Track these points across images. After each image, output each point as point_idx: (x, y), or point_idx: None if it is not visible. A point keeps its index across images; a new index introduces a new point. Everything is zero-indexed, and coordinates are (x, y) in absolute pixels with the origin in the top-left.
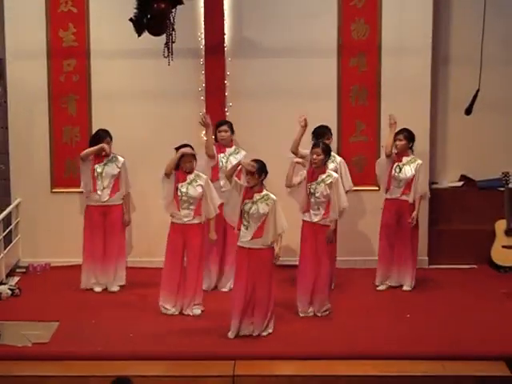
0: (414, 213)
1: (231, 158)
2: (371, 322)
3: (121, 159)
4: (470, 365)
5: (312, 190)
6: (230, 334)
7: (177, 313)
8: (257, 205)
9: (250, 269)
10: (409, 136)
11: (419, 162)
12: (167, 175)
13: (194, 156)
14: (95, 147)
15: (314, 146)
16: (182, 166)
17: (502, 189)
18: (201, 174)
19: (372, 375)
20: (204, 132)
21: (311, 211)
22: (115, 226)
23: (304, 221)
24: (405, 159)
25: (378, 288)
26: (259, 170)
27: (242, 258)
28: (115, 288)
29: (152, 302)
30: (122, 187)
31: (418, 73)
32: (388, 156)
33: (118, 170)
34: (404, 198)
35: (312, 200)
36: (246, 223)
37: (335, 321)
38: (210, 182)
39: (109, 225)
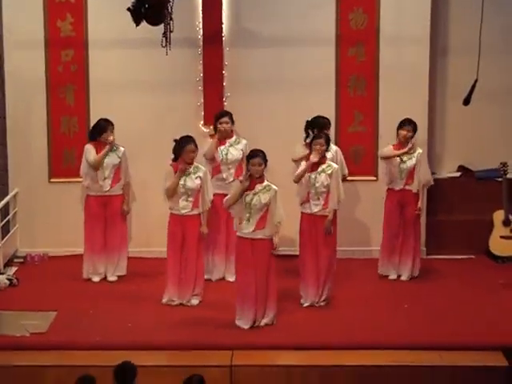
0: (419, 202)
1: (231, 149)
2: (370, 312)
3: (121, 149)
4: (467, 355)
5: (312, 181)
6: (246, 325)
7: (180, 303)
8: (259, 196)
9: (253, 259)
10: (415, 128)
11: (419, 150)
12: (169, 197)
13: (196, 147)
14: (104, 152)
15: (317, 137)
16: (184, 157)
17: (500, 179)
18: (200, 165)
19: (370, 365)
20: (202, 122)
21: (311, 202)
22: (116, 216)
23: (303, 213)
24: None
25: (389, 277)
26: (264, 160)
27: (245, 248)
28: (113, 278)
29: (150, 292)
30: (122, 177)
31: (417, 63)
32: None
33: (119, 159)
34: (407, 187)
35: (312, 190)
36: (247, 214)
37: (334, 311)
38: (208, 173)
39: (110, 215)
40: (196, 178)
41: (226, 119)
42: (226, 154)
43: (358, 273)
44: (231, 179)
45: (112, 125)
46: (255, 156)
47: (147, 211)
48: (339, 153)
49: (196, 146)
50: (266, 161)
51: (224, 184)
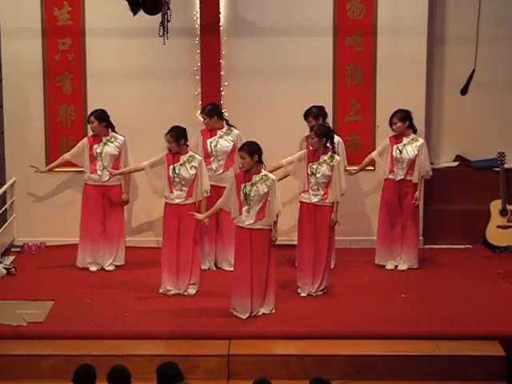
0: (417, 193)
1: (221, 140)
2: (367, 301)
3: (121, 138)
4: (465, 344)
5: (313, 171)
6: (243, 315)
7: (177, 293)
8: (257, 186)
9: (252, 249)
10: (402, 116)
11: (421, 141)
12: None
13: (172, 138)
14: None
15: (312, 130)
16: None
17: (498, 169)
18: (195, 155)
19: (367, 354)
20: (199, 111)
21: (310, 191)
22: (115, 206)
23: (302, 202)
24: (405, 140)
25: (386, 267)
26: (249, 153)
27: (243, 238)
28: (111, 267)
29: (148, 281)
30: (122, 166)
31: (414, 52)
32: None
33: (118, 150)
34: (408, 178)
35: (312, 180)
36: (247, 206)
37: (331, 301)
38: (203, 163)
39: (108, 204)
40: (191, 167)
41: (202, 115)
42: (215, 146)
43: (355, 262)
44: (221, 171)
45: (91, 115)
46: (240, 149)
47: (146, 200)
48: (341, 144)
49: (171, 136)
50: (254, 153)
51: (213, 175)
